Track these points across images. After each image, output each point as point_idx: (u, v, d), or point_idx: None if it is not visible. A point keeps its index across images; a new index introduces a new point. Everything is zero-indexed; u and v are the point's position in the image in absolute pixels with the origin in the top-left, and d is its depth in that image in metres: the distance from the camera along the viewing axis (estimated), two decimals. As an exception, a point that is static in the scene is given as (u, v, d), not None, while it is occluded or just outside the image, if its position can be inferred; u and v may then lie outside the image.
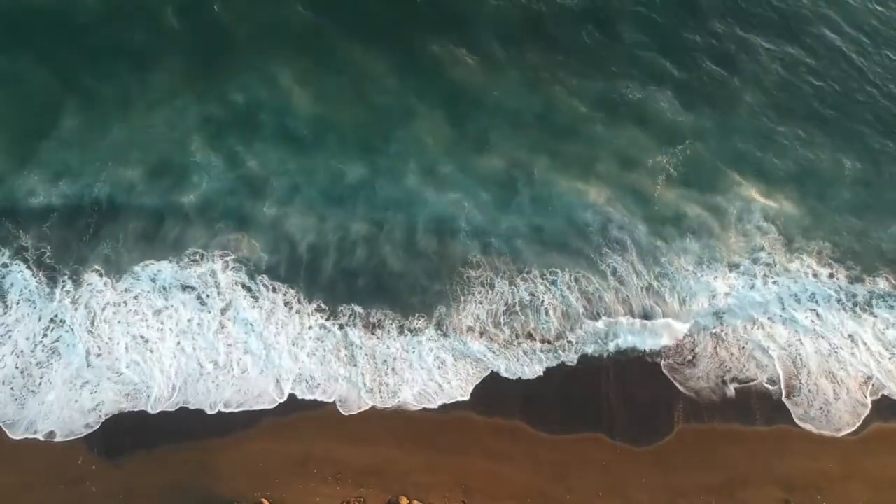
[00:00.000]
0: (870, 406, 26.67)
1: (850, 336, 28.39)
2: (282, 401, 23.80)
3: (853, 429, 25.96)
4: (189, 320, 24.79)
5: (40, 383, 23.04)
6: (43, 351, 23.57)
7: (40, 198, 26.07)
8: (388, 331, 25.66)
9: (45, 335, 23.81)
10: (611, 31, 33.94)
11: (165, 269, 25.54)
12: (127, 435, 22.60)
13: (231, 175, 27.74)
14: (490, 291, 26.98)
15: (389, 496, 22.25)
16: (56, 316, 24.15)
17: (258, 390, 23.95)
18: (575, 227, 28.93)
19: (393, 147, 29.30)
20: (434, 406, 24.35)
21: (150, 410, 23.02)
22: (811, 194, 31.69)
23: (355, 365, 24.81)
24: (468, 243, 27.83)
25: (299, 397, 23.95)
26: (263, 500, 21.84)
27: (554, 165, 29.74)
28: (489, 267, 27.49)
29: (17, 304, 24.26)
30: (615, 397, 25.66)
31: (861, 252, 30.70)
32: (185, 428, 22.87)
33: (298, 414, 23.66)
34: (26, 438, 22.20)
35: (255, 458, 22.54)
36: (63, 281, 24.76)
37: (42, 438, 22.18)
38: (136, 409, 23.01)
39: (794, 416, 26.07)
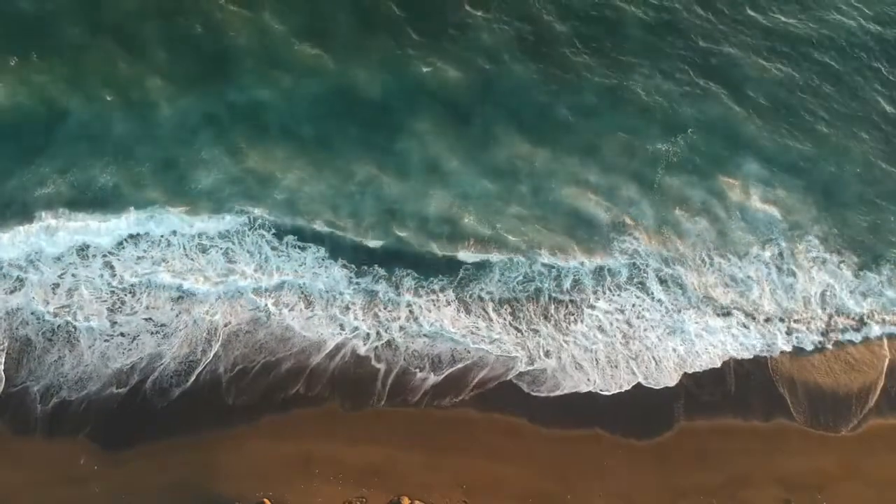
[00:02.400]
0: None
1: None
2: (326, 352, 23.94)
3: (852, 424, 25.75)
4: (222, 274, 24.36)
5: (64, 340, 22.80)
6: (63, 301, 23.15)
7: (49, 186, 24.65)
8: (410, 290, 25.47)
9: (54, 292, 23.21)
10: (614, 24, 32.15)
11: (195, 226, 24.82)
12: (129, 434, 22.01)
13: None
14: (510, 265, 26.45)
15: (391, 496, 21.85)
16: (65, 271, 23.46)
17: (305, 340, 24.06)
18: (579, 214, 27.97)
19: (397, 143, 27.78)
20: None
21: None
22: (816, 184, 30.61)
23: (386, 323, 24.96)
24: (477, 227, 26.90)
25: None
26: (265, 500, 21.41)
27: (556, 156, 28.45)
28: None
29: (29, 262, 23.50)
30: (616, 393, 25.22)
31: (866, 240, 29.92)
32: (186, 427, 22.27)
33: (299, 411, 23.07)
34: (29, 436, 21.73)
35: (257, 457, 22.01)
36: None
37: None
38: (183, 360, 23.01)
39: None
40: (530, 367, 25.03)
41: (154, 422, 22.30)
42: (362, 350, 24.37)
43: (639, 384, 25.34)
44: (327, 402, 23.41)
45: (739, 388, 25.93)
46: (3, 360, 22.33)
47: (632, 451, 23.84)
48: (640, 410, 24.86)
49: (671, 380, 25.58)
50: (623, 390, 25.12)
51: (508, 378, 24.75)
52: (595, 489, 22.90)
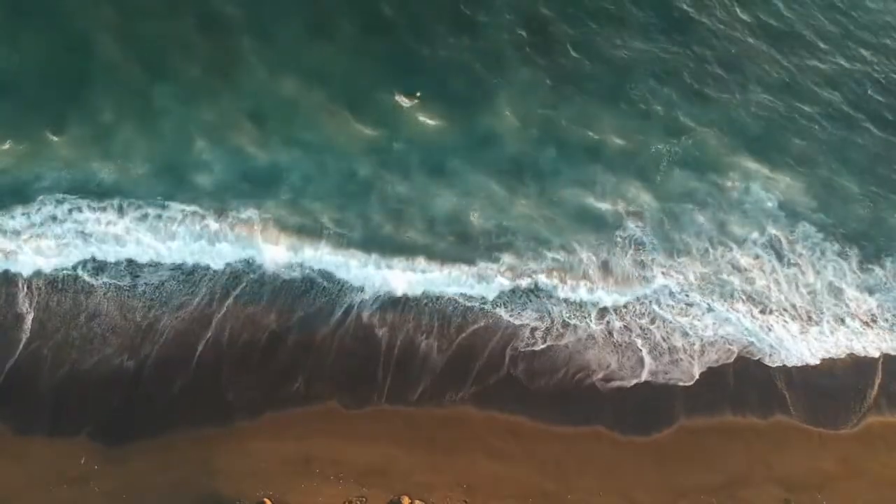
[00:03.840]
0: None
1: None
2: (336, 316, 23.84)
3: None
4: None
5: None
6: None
7: (46, 180, 23.89)
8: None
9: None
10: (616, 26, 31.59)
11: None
12: (129, 434, 21.48)
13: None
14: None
15: (391, 496, 21.49)
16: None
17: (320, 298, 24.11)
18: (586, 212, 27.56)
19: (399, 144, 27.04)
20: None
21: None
22: (818, 181, 30.23)
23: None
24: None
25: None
26: (266, 499, 21.05)
27: (561, 156, 27.91)
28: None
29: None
30: (616, 390, 24.77)
31: (869, 234, 29.66)
32: (186, 425, 21.76)
33: (299, 409, 22.56)
34: (30, 435, 21.27)
35: (258, 456, 21.55)
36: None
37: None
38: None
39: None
40: (542, 346, 24.71)
41: (154, 421, 21.76)
42: (367, 314, 23.99)
43: (637, 384, 24.97)
44: (327, 401, 22.89)
45: (739, 385, 25.57)
46: (34, 305, 22.05)
47: (632, 450, 23.46)
48: (640, 408, 24.47)
49: (690, 376, 25.33)
50: (635, 382, 24.81)
51: (516, 351, 24.44)
52: (595, 488, 22.53)
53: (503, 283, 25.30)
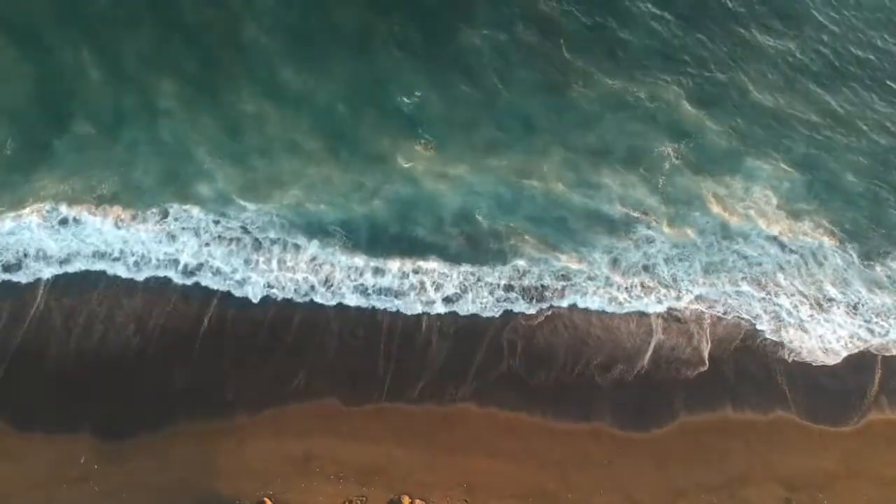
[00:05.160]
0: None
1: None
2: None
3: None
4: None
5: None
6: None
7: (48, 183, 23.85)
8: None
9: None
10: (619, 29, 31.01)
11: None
12: (129, 433, 21.26)
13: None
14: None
15: (392, 495, 21.24)
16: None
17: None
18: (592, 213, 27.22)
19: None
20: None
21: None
22: (819, 181, 29.87)
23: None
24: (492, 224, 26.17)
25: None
26: (266, 499, 20.83)
27: (566, 158, 27.56)
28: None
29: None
30: (617, 384, 24.44)
31: (870, 234, 29.25)
32: (187, 425, 21.51)
33: (299, 407, 22.28)
34: (30, 434, 21.03)
35: (257, 456, 21.27)
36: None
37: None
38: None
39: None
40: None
41: (154, 420, 21.53)
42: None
43: (638, 378, 24.64)
44: (327, 397, 22.62)
45: (739, 381, 25.24)
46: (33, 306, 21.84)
47: (632, 448, 23.13)
48: (640, 405, 24.15)
49: (700, 357, 25.22)
50: (639, 365, 24.67)
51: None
52: (595, 487, 22.25)
53: (519, 305, 25.17)
